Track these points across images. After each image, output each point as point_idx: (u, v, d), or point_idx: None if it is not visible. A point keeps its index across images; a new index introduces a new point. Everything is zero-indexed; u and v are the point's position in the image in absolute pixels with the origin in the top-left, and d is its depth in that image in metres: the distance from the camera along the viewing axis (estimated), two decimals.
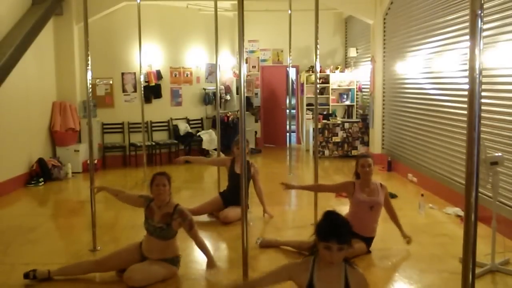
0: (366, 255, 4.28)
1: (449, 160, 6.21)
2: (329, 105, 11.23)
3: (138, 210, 6.15)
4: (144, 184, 7.74)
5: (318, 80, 5.21)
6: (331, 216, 2.52)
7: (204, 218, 5.64)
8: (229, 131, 10.21)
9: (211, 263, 3.93)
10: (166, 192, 3.85)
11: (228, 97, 11.17)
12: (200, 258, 4.15)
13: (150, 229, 3.85)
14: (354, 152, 10.00)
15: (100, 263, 3.84)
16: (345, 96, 11.23)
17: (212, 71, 10.53)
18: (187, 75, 10.27)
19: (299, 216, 5.61)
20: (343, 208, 6.06)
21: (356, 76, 11.01)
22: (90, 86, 4.68)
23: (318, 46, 5.08)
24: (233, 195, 5.38)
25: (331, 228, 2.42)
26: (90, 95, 4.73)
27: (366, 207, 4.29)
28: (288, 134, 11.21)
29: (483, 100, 2.07)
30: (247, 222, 3.06)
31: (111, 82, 9.45)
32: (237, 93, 11.08)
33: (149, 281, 3.67)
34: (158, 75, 9.78)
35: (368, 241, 4.31)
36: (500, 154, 4.08)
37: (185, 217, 3.82)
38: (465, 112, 1.98)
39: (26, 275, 3.76)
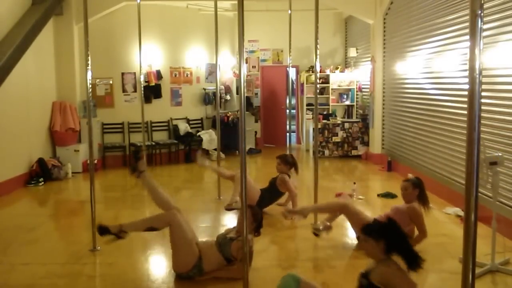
0: None
1: (449, 160, 6.21)
2: (329, 105, 11.23)
3: (138, 210, 6.18)
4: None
5: (318, 80, 5.21)
6: None
7: (204, 219, 5.62)
8: (229, 131, 10.20)
9: None
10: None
11: (228, 97, 11.16)
12: None
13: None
14: (354, 152, 10.00)
15: None
16: (345, 96, 11.23)
17: (212, 71, 10.53)
18: (187, 75, 10.26)
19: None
20: None
21: (356, 76, 11.00)
22: (90, 86, 4.69)
23: (318, 46, 5.08)
24: (266, 194, 5.81)
25: None
26: (90, 95, 4.73)
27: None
28: (288, 134, 11.19)
29: (483, 100, 2.07)
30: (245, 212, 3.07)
31: (111, 82, 9.45)
32: (237, 93, 11.08)
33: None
34: (158, 75, 9.77)
35: None
36: (499, 154, 4.08)
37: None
38: (465, 112, 1.98)
39: None
